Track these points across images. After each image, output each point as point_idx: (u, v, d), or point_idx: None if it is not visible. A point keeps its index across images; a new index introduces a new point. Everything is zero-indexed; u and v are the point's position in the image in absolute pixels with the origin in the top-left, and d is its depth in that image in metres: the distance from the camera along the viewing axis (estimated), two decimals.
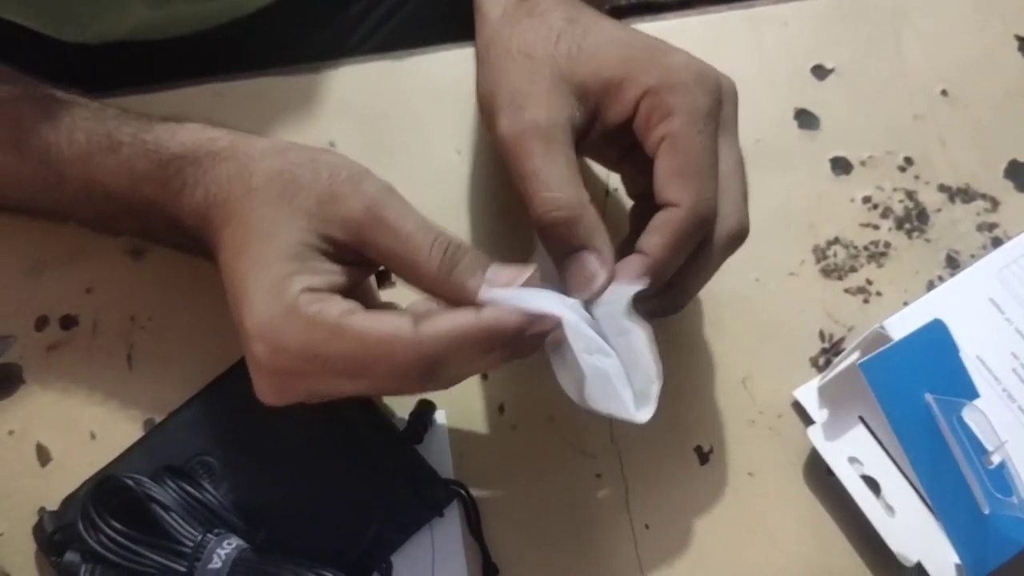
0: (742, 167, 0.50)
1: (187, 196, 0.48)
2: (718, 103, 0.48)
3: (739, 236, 0.49)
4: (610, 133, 0.49)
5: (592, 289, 0.46)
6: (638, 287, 0.46)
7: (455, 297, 0.44)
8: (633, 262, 0.46)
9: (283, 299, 0.42)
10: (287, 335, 0.42)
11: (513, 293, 0.44)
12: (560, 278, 0.47)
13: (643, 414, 0.47)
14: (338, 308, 0.43)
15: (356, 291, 0.46)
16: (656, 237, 0.46)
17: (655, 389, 0.47)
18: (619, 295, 0.46)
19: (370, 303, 0.46)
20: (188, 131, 0.49)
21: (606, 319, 0.47)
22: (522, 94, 0.48)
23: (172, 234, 0.50)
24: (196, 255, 0.52)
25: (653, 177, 0.47)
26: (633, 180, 0.53)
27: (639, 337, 0.47)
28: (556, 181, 0.46)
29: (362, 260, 0.46)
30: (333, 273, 0.44)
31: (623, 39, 0.50)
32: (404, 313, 0.44)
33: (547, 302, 0.44)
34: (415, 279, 0.45)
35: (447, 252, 0.44)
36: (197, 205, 0.47)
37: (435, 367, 0.42)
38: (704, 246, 0.48)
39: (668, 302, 0.50)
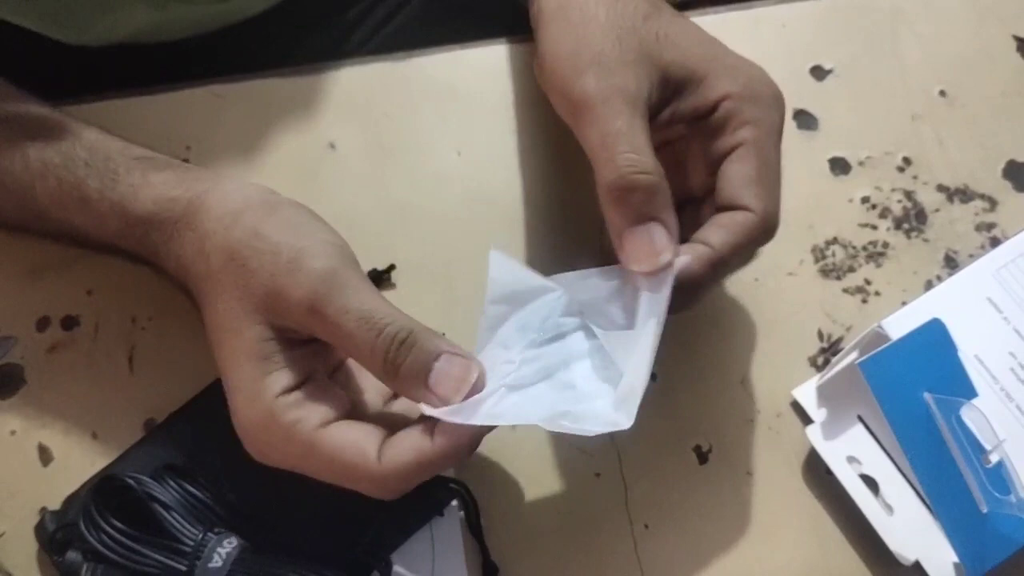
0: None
1: (162, 259, 0.49)
2: (783, 122, 0.50)
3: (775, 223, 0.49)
4: (670, 121, 0.50)
5: (657, 263, 0.45)
6: (668, 289, 0.45)
7: (405, 395, 0.45)
8: (697, 250, 0.46)
9: (260, 407, 0.44)
10: (268, 443, 0.45)
11: (454, 412, 0.43)
12: (616, 243, 0.46)
13: (624, 419, 0.45)
14: (315, 419, 0.44)
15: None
16: (725, 235, 0.47)
17: (636, 399, 0.45)
18: (661, 286, 0.45)
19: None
20: (152, 189, 0.49)
21: (627, 307, 0.47)
22: (611, 59, 0.47)
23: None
24: None
25: (721, 178, 0.48)
26: None
27: (647, 342, 0.46)
28: (642, 145, 0.46)
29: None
30: (300, 360, 0.45)
31: (705, 39, 0.51)
32: (372, 433, 0.44)
33: (490, 409, 0.44)
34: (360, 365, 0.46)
35: (389, 354, 0.43)
36: (175, 268, 0.49)
37: (398, 490, 0.44)
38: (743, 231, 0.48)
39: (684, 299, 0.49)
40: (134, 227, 0.49)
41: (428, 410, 0.44)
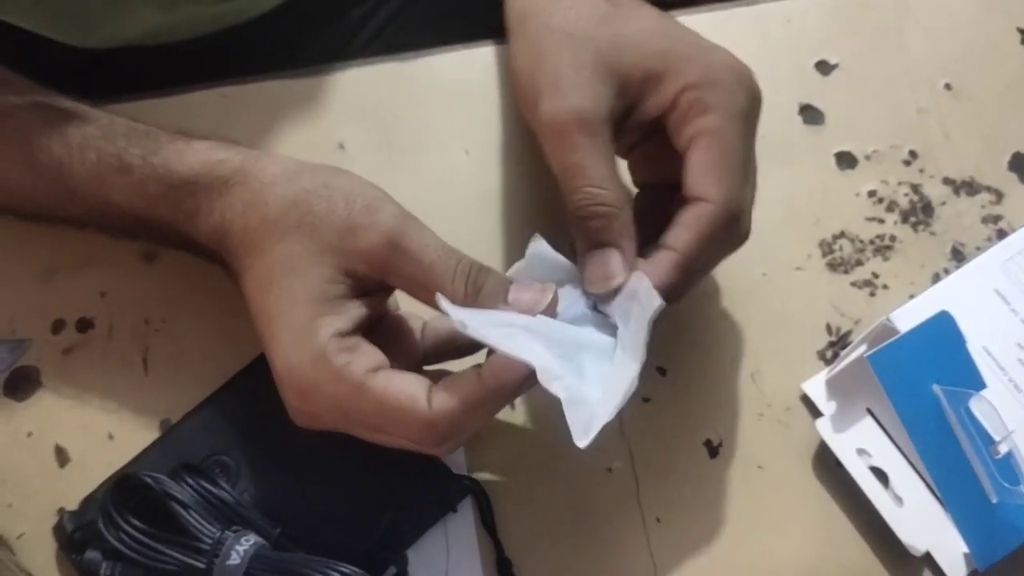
0: (755, 173, 0.50)
1: (202, 220, 0.49)
2: (755, 105, 0.49)
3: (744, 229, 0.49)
4: (639, 125, 0.50)
5: (608, 287, 0.47)
6: (657, 304, 0.46)
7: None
8: (662, 260, 0.47)
9: (312, 345, 0.44)
10: (315, 384, 0.44)
11: (472, 314, 0.44)
12: (579, 264, 0.48)
13: (581, 436, 0.44)
14: (365, 364, 0.44)
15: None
16: (686, 232, 0.47)
17: (598, 423, 0.45)
18: (647, 303, 0.46)
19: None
20: (196, 152, 0.49)
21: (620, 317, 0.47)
22: (565, 78, 0.48)
23: (189, 246, 0.51)
24: (213, 262, 0.53)
25: (684, 171, 0.48)
26: (641, 169, 0.53)
27: (628, 369, 0.46)
28: (600, 177, 0.47)
29: (383, 287, 0.47)
30: (357, 308, 0.46)
31: (665, 30, 0.50)
32: (422, 380, 0.45)
33: (502, 331, 0.44)
34: (439, 303, 0.46)
35: (470, 277, 0.45)
36: (213, 229, 0.48)
37: (447, 437, 0.45)
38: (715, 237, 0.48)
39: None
40: (177, 189, 0.48)
41: (445, 304, 0.44)
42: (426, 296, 0.46)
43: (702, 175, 0.47)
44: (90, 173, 0.50)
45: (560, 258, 0.48)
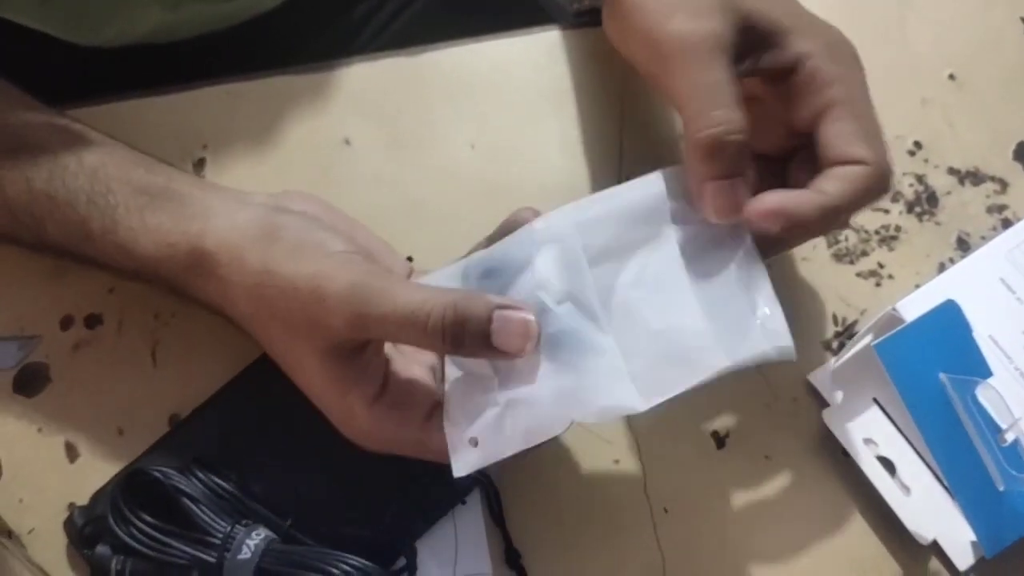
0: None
1: (192, 296, 0.50)
2: (865, 80, 0.50)
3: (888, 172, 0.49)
4: (746, 74, 0.49)
5: (739, 217, 0.46)
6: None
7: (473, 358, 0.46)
8: (813, 197, 0.46)
9: (359, 423, 0.46)
10: (382, 445, 0.47)
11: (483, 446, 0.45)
12: (695, 192, 0.47)
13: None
14: (414, 417, 0.46)
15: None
16: (843, 185, 0.47)
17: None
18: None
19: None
20: (150, 234, 0.49)
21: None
22: (702, 3, 0.47)
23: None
24: None
25: (822, 140, 0.48)
26: None
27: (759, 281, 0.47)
28: (734, 101, 0.46)
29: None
30: (370, 364, 0.46)
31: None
32: None
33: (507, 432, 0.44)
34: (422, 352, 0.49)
35: (445, 335, 0.43)
36: (201, 304, 0.50)
37: None
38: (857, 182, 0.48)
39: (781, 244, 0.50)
40: (145, 267, 0.49)
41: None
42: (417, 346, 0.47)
43: (852, 142, 0.47)
44: (61, 232, 0.50)
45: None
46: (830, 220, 0.47)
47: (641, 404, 0.44)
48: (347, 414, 0.46)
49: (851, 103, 0.48)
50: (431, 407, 0.47)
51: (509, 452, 0.44)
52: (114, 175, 0.50)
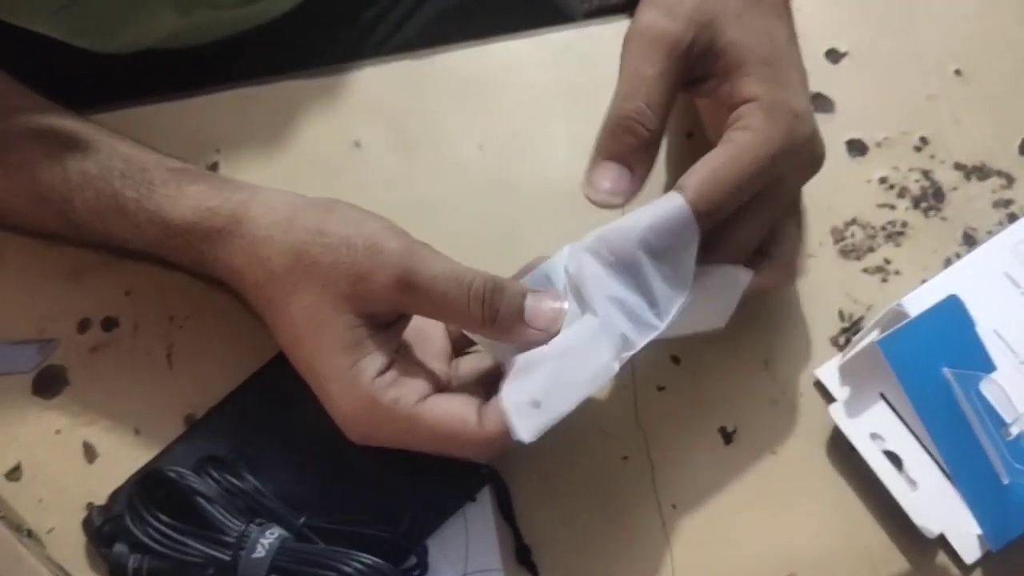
0: (796, 236, 0.54)
1: (209, 267, 0.51)
2: (786, 158, 0.48)
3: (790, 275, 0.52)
4: (699, 93, 0.51)
5: (604, 200, 0.48)
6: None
7: (503, 339, 0.47)
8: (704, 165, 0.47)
9: (359, 392, 0.46)
10: (371, 425, 0.47)
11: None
12: (588, 168, 0.49)
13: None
14: (412, 395, 0.46)
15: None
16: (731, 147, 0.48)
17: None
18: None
19: None
20: (188, 199, 0.50)
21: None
22: (682, 6, 0.48)
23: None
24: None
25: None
26: None
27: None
28: (659, 103, 0.47)
29: (401, 317, 0.49)
30: (386, 342, 0.47)
31: (778, 47, 0.50)
32: (468, 402, 0.47)
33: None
34: (463, 328, 0.49)
35: (484, 301, 0.46)
36: (222, 274, 0.51)
37: (505, 447, 0.46)
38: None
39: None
40: (174, 236, 0.50)
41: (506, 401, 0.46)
42: (447, 322, 0.50)
43: (697, 169, 0.47)
44: (90, 210, 0.51)
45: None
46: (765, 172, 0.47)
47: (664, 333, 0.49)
48: (348, 384, 0.46)
49: (738, 152, 0.47)
50: (430, 390, 0.47)
51: (570, 406, 0.47)
52: (149, 159, 0.52)
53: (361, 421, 0.47)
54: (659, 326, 0.48)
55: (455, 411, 0.46)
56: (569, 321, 0.48)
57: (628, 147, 0.48)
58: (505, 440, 0.45)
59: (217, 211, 0.50)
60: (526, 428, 0.46)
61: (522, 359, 0.47)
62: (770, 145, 0.47)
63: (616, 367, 0.48)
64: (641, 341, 0.48)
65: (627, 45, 0.49)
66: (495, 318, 0.46)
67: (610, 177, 0.48)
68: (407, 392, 0.46)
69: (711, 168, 0.47)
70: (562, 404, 0.47)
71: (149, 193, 0.50)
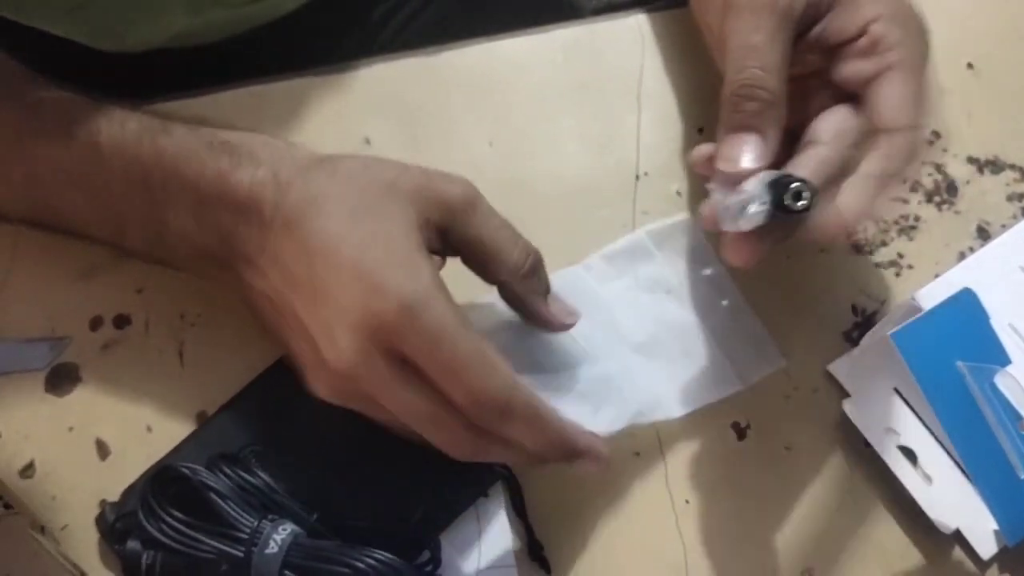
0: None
1: (242, 173, 0.47)
2: (929, 52, 0.50)
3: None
4: (813, 45, 0.50)
5: (738, 168, 0.47)
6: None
7: (524, 296, 0.48)
8: (868, 186, 0.47)
9: (422, 278, 0.43)
10: (428, 306, 0.43)
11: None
12: (717, 142, 0.48)
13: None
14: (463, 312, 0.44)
15: None
16: (886, 161, 0.48)
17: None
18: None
19: None
20: (243, 132, 0.50)
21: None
22: None
23: (183, 229, 0.49)
24: (182, 263, 0.53)
25: (875, 99, 0.48)
26: None
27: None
28: (773, 64, 0.47)
29: (436, 253, 0.47)
30: (436, 263, 0.46)
31: None
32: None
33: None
34: (493, 269, 0.48)
35: (530, 255, 0.48)
36: (256, 182, 0.47)
37: (504, 416, 0.44)
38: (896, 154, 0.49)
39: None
40: (220, 146, 0.48)
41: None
42: (486, 260, 0.48)
43: (902, 106, 0.48)
44: (128, 138, 0.49)
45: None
46: (882, 196, 0.48)
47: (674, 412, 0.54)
48: (414, 267, 0.43)
49: (912, 69, 0.48)
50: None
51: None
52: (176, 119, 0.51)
53: (411, 304, 0.42)
54: (666, 414, 0.53)
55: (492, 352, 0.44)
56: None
57: (752, 113, 0.47)
58: (511, 409, 0.44)
59: (274, 140, 0.49)
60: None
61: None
62: (921, 50, 0.49)
63: (615, 430, 0.51)
64: (646, 419, 0.52)
65: (729, 22, 0.49)
66: (532, 274, 0.48)
67: (743, 146, 0.47)
68: (456, 307, 0.44)
69: (907, 98, 0.47)
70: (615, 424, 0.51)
71: (201, 123, 0.50)
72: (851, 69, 0.49)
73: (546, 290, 0.50)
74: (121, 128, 0.50)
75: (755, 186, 0.45)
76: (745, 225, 0.45)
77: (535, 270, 0.48)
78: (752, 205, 0.45)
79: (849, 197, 0.47)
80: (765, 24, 0.47)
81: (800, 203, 0.44)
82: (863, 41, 0.49)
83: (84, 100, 0.51)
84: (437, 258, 0.47)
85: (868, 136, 0.48)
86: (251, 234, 0.47)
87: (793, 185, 0.44)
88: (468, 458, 0.46)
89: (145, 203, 0.50)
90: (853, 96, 0.50)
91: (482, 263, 0.48)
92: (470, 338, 0.43)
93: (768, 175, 0.45)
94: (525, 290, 0.49)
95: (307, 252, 0.45)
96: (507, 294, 0.49)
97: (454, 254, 0.48)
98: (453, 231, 0.47)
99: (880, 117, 0.48)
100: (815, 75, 0.51)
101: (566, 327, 0.50)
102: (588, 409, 0.51)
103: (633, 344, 0.54)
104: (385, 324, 0.43)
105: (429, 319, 0.43)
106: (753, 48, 0.47)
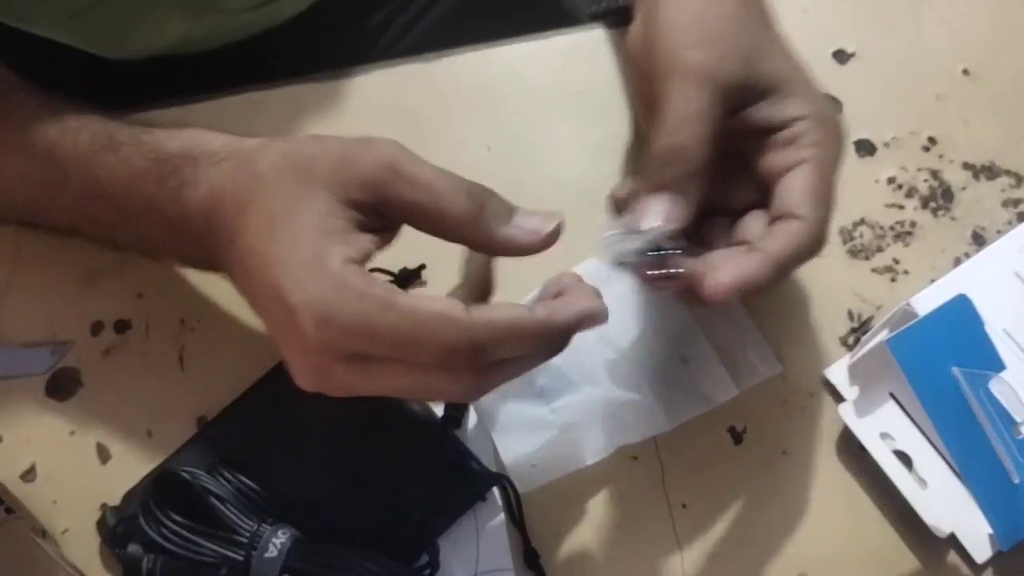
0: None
1: (188, 193, 0.47)
2: (842, 155, 0.51)
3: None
4: (735, 128, 0.51)
5: (647, 223, 0.47)
6: None
7: (486, 239, 0.45)
8: (754, 258, 0.47)
9: (327, 271, 0.42)
10: (337, 305, 0.41)
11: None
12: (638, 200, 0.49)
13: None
14: (385, 284, 0.42)
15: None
16: (782, 241, 0.48)
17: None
18: None
19: None
20: (186, 133, 0.49)
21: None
22: (719, 44, 0.49)
23: (168, 240, 0.50)
24: (191, 266, 0.54)
25: (779, 189, 0.49)
26: None
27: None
28: (702, 137, 0.48)
29: (384, 227, 0.46)
30: (364, 242, 0.44)
31: (796, 60, 0.52)
32: (455, 299, 0.43)
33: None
34: (441, 226, 0.45)
35: (471, 195, 0.44)
36: (200, 201, 0.47)
37: (481, 353, 0.42)
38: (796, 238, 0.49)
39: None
40: (163, 163, 0.48)
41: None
42: (430, 222, 0.44)
43: (803, 196, 0.48)
44: (81, 153, 0.50)
45: None
46: (778, 276, 0.48)
47: (668, 426, 0.55)
48: (314, 266, 0.42)
49: (824, 165, 0.49)
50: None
51: (563, 473, 0.53)
52: (144, 120, 0.51)
53: (326, 303, 0.41)
54: (662, 429, 0.54)
55: (439, 299, 0.42)
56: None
57: (677, 176, 0.48)
58: (486, 341, 0.41)
59: (213, 140, 0.48)
60: (520, 481, 0.52)
61: (526, 415, 0.52)
62: (836, 155, 0.50)
63: (611, 450, 0.53)
64: (641, 437, 0.54)
65: (669, 87, 0.49)
66: (481, 211, 0.44)
67: (661, 205, 0.48)
68: (378, 279, 0.42)
69: (811, 190, 0.48)
70: (556, 471, 0.53)
71: (149, 130, 0.50)
72: (770, 160, 0.50)
73: (508, 212, 0.45)
74: (74, 143, 0.50)
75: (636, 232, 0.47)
76: (611, 261, 0.47)
77: (481, 207, 0.44)
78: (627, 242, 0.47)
79: (732, 266, 0.47)
80: (704, 96, 0.48)
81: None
82: (785, 133, 0.50)
83: (45, 106, 0.52)
84: (368, 236, 0.44)
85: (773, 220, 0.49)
86: (217, 246, 0.47)
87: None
88: (479, 396, 0.45)
89: (121, 217, 0.51)
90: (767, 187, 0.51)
91: (428, 225, 0.45)
92: (401, 307, 0.41)
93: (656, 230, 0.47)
94: (483, 231, 0.44)
95: (244, 273, 0.45)
96: (473, 247, 0.47)
97: (404, 222, 0.46)
98: (387, 202, 0.44)
99: (782, 203, 0.49)
100: (734, 157, 0.51)
101: (548, 236, 0.46)
102: (584, 435, 0.53)
103: (628, 349, 0.55)
104: (314, 340, 0.42)
105: (347, 318, 0.41)
106: (691, 116, 0.48)
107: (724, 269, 0.46)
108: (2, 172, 0.53)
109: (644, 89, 0.53)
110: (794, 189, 0.49)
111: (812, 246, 0.48)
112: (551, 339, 0.44)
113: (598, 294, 0.46)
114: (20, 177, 0.53)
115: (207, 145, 0.48)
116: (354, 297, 0.41)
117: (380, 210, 0.45)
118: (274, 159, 0.45)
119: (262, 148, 0.46)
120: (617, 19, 0.59)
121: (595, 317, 0.45)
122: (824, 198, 0.49)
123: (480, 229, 0.44)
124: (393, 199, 0.44)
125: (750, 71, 0.50)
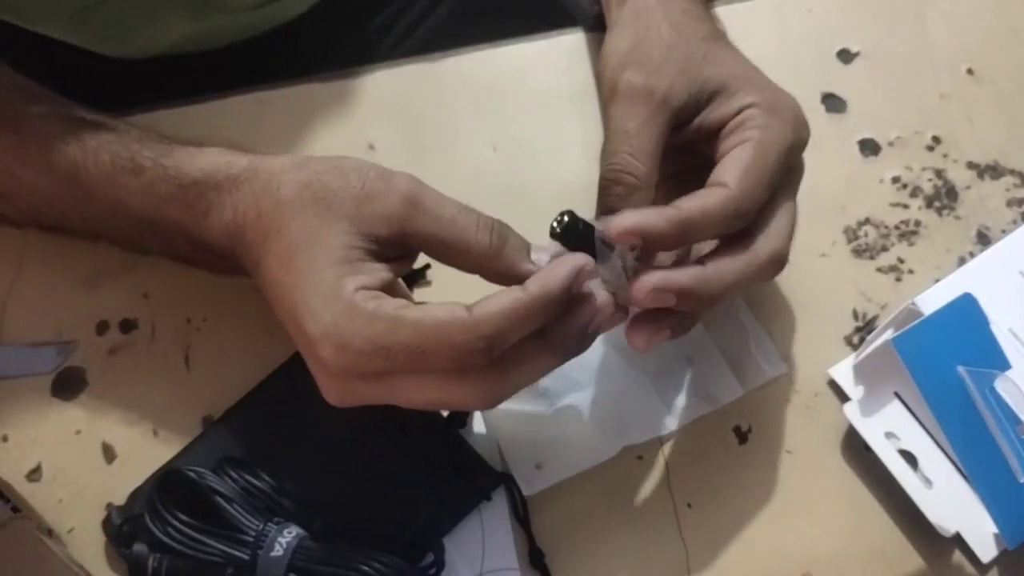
0: (795, 215, 0.51)
1: (214, 218, 0.49)
2: (798, 150, 0.51)
3: (778, 260, 0.49)
4: (694, 133, 0.51)
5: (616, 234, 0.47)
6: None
7: (507, 273, 0.46)
8: (663, 213, 0.47)
9: (341, 300, 0.44)
10: (350, 332, 0.43)
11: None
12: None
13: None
14: (394, 303, 0.44)
15: (397, 290, 0.48)
16: (696, 200, 0.47)
17: None
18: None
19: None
20: (206, 155, 0.50)
21: None
22: (655, 62, 0.50)
23: (197, 254, 0.52)
24: (220, 274, 0.54)
25: (719, 163, 0.49)
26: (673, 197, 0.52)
27: None
28: (641, 151, 0.49)
29: (403, 255, 0.47)
30: (380, 271, 0.46)
31: (748, 66, 0.53)
32: (455, 302, 0.44)
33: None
34: (464, 260, 0.46)
35: (493, 230, 0.46)
36: (226, 225, 0.48)
37: (494, 345, 0.43)
38: (740, 258, 0.48)
39: (687, 319, 0.50)
40: (187, 189, 0.49)
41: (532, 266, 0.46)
42: (453, 255, 0.46)
43: (732, 169, 0.48)
44: (104, 175, 0.50)
45: None
46: (684, 234, 0.47)
47: (673, 426, 0.55)
48: (330, 294, 0.44)
49: (758, 146, 0.49)
50: (408, 304, 0.45)
51: (568, 474, 0.53)
52: (163, 134, 0.52)
53: (340, 330, 0.43)
54: (667, 429, 0.55)
55: (442, 307, 0.43)
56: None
57: (618, 196, 0.48)
58: (494, 334, 0.42)
59: (235, 162, 0.49)
60: (525, 483, 0.52)
61: (531, 416, 0.52)
62: (785, 137, 0.49)
63: (616, 451, 0.54)
64: (645, 437, 0.54)
65: (609, 110, 0.50)
66: (502, 249, 0.46)
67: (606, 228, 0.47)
68: (388, 300, 0.44)
69: (741, 164, 0.48)
70: (561, 472, 0.53)
71: (168, 151, 0.50)
72: (719, 149, 0.50)
73: (526, 248, 0.47)
74: (96, 165, 0.51)
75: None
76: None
77: (503, 242, 0.46)
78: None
79: (633, 214, 0.47)
80: (640, 112, 0.49)
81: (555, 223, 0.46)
82: (732, 123, 0.50)
83: (64, 122, 0.52)
84: (384, 265, 0.46)
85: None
86: (246, 264, 0.49)
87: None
88: (502, 399, 0.45)
89: (148, 232, 0.51)
90: None
91: (449, 258, 0.47)
92: (408, 322, 0.43)
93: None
94: (505, 265, 0.46)
95: (270, 297, 0.47)
96: (492, 279, 0.48)
97: (424, 252, 0.48)
98: (408, 235, 0.46)
99: (712, 177, 0.49)
100: (705, 167, 0.51)
101: (572, 275, 0.45)
102: (588, 436, 0.54)
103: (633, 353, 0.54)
104: (336, 366, 0.44)
105: (361, 342, 0.43)
106: (625, 134, 0.49)
107: (624, 216, 0.47)
108: (26, 187, 0.53)
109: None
110: (725, 163, 0.49)
111: (730, 215, 0.47)
112: (552, 304, 0.44)
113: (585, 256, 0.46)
114: (44, 193, 0.53)
115: (229, 169, 0.49)
116: (365, 322, 0.43)
117: (401, 242, 0.46)
118: (297, 188, 0.47)
119: (284, 174, 0.47)
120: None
121: (585, 270, 0.45)
122: (755, 174, 0.48)
123: (503, 263, 0.46)
124: (414, 232, 0.46)
125: (690, 80, 0.50)
